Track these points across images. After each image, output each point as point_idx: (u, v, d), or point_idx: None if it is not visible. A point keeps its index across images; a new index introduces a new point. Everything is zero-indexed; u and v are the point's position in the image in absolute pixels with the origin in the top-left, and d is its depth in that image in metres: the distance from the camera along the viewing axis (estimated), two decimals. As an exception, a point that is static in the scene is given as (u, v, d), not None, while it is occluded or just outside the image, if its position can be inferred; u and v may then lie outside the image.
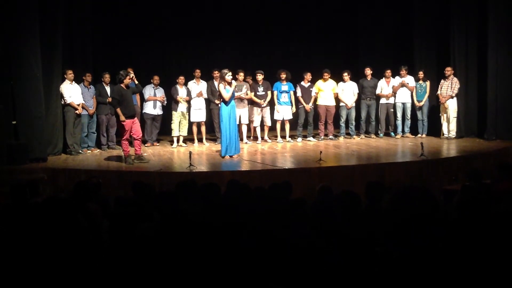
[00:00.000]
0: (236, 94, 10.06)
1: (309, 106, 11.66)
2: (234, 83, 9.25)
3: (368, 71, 12.09)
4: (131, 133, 8.92)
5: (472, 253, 2.84)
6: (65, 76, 9.97)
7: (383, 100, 12.11)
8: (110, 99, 9.84)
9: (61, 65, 9.86)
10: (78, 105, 10.08)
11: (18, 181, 6.13)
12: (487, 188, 5.15)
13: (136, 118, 9.17)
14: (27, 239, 3.27)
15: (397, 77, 11.98)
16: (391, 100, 12.05)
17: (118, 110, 8.70)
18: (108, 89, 10.52)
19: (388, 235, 3.00)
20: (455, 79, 11.30)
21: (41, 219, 3.63)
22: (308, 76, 11.70)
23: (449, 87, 11.30)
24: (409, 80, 11.87)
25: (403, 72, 11.83)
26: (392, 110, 12.11)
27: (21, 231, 3.51)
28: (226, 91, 9.15)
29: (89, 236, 3.58)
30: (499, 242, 2.95)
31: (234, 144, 9.33)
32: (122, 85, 8.90)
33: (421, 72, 11.83)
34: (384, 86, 12.04)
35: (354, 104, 12.01)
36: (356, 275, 2.75)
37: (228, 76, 9.17)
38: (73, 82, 10.11)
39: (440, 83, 11.53)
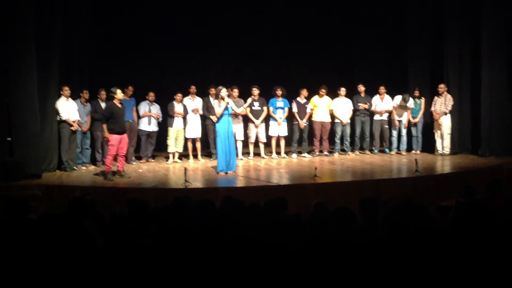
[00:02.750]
0: (236, 110, 10.13)
1: (303, 123, 11.71)
2: (227, 99, 9.26)
3: (361, 88, 12.18)
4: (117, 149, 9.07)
5: (466, 268, 2.86)
6: (61, 92, 9.98)
7: (377, 117, 12.17)
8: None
9: (57, 81, 9.88)
10: (74, 121, 10.09)
11: (13, 197, 6.11)
12: (480, 204, 5.17)
13: (125, 135, 9.22)
14: (22, 255, 3.27)
15: (397, 98, 11.95)
16: (385, 117, 12.11)
17: (104, 126, 9.01)
18: (103, 105, 10.54)
19: (382, 250, 3.01)
20: (449, 96, 11.38)
21: (36, 235, 3.63)
22: (305, 92, 11.77)
23: (443, 103, 11.39)
24: (410, 102, 11.90)
25: (406, 99, 11.81)
26: (386, 126, 12.17)
27: (16, 247, 3.51)
28: (219, 107, 9.20)
29: (84, 252, 3.57)
30: (493, 257, 2.97)
31: (230, 160, 9.34)
32: (115, 101, 9.09)
33: (417, 91, 11.90)
34: (378, 103, 12.11)
35: (349, 121, 12.07)
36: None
37: (223, 92, 9.22)
38: (69, 98, 10.12)
39: (434, 100, 11.62)
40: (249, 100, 10.23)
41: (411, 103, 11.92)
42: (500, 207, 5.15)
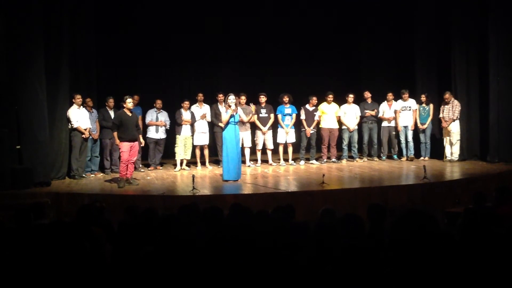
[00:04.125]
0: (244, 119, 10.17)
1: (309, 130, 11.70)
2: (233, 107, 9.27)
3: (368, 94, 12.19)
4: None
5: (475, 275, 2.84)
6: (73, 100, 10.04)
7: (385, 123, 12.15)
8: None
9: (67, 89, 9.95)
10: (85, 129, 10.14)
11: (22, 205, 6.16)
12: (489, 211, 5.13)
13: (135, 142, 9.27)
14: (31, 263, 3.28)
15: (399, 101, 12.02)
16: (393, 123, 12.09)
17: (115, 134, 9.18)
18: (112, 113, 10.58)
19: (390, 257, 3.01)
20: (455, 102, 11.35)
21: (45, 243, 3.65)
22: (314, 100, 11.77)
23: (450, 110, 11.34)
24: (411, 103, 11.92)
25: (405, 96, 11.89)
26: (394, 133, 12.14)
27: (25, 255, 3.52)
28: (226, 114, 9.22)
29: (93, 260, 3.59)
30: (502, 264, 2.96)
31: (236, 168, 9.35)
32: (125, 110, 9.21)
33: (423, 96, 11.88)
34: (386, 109, 12.10)
35: (356, 127, 12.05)
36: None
37: (231, 100, 9.25)
38: (81, 106, 10.17)
39: (441, 107, 11.58)
40: (253, 107, 10.31)
41: (413, 104, 11.89)
42: (510, 214, 5.11)
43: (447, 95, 11.37)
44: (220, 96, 11.26)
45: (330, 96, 11.79)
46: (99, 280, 3.21)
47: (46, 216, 6.24)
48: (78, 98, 10.06)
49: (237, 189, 8.77)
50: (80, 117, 10.09)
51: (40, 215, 5.67)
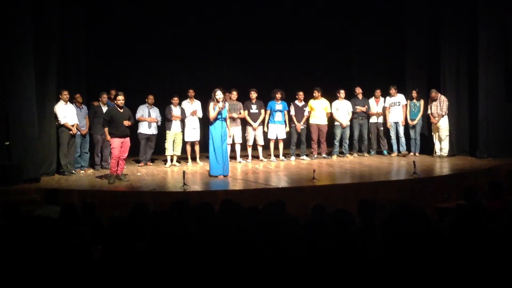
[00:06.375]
0: (229, 114, 10.11)
1: (300, 125, 11.71)
2: (221, 103, 9.20)
3: (359, 90, 12.22)
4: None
5: (464, 271, 2.86)
6: (60, 96, 9.99)
7: (373, 119, 12.20)
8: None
9: (55, 85, 9.89)
10: (73, 125, 10.09)
11: (12, 202, 6.15)
12: (481, 207, 5.17)
13: (126, 139, 9.23)
14: (20, 260, 3.26)
15: (387, 98, 12.06)
16: (381, 120, 12.14)
17: (105, 129, 9.20)
18: (104, 109, 10.51)
19: (381, 252, 3.01)
20: (442, 97, 11.40)
21: (33, 239, 3.62)
22: (301, 95, 11.77)
23: (438, 106, 11.39)
24: (400, 98, 11.97)
25: (393, 91, 11.93)
26: (381, 128, 12.19)
27: (14, 252, 3.50)
28: (213, 110, 9.15)
29: (82, 257, 3.57)
30: (491, 261, 2.98)
31: (224, 164, 9.31)
32: (115, 105, 9.26)
33: (414, 92, 11.92)
34: (373, 106, 12.15)
35: (349, 123, 12.08)
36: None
37: (218, 95, 9.17)
38: (68, 102, 10.12)
39: (429, 104, 11.63)
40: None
41: (402, 99, 11.94)
42: (500, 209, 5.14)
43: (433, 94, 11.42)
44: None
45: (315, 91, 11.77)
46: (88, 276, 3.19)
47: (59, 201, 6.26)
48: (65, 94, 10.01)
49: (227, 185, 8.76)
50: (67, 113, 10.04)
51: (54, 200, 5.87)
